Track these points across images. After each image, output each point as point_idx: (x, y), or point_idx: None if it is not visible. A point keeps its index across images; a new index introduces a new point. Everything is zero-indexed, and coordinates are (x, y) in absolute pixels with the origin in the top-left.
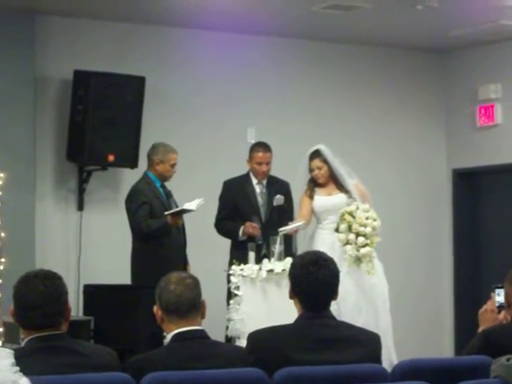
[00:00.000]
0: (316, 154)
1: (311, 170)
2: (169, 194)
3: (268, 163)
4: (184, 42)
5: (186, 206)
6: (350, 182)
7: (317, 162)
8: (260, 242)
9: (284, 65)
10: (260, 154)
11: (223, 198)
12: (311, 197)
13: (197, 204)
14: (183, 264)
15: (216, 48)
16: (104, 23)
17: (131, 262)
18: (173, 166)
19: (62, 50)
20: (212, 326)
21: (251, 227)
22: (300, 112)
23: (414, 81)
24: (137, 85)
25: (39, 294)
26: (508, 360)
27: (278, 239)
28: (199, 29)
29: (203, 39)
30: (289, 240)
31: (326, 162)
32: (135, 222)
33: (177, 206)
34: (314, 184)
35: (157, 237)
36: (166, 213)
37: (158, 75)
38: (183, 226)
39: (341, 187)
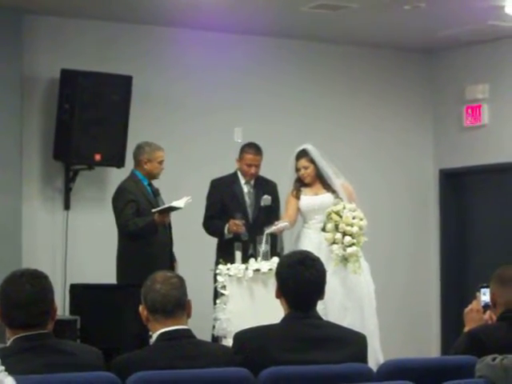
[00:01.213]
0: (302, 154)
1: (297, 170)
2: (156, 192)
3: (257, 166)
4: (171, 42)
5: (174, 203)
6: (337, 182)
7: (303, 162)
8: (245, 239)
9: (271, 64)
10: (250, 156)
11: (211, 197)
12: (297, 197)
13: (184, 202)
14: (169, 262)
15: (203, 47)
16: (92, 22)
17: (117, 261)
18: (160, 163)
19: (49, 49)
20: (198, 325)
21: (234, 225)
22: (286, 112)
23: (402, 81)
24: (124, 84)
25: (25, 294)
26: (493, 360)
27: (264, 239)
28: (187, 28)
29: (191, 39)
30: (274, 239)
31: (312, 161)
32: (122, 220)
33: (164, 204)
34: (300, 184)
35: (144, 235)
36: (154, 210)
37: (145, 74)
38: (170, 224)
39: (327, 187)
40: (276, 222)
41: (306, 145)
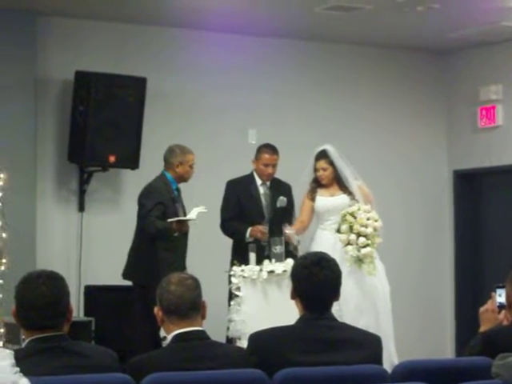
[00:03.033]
0: (322, 155)
1: (316, 170)
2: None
3: (274, 165)
4: (186, 43)
5: (188, 216)
6: (354, 184)
7: (322, 164)
8: (265, 244)
9: (285, 66)
10: (267, 156)
11: (228, 198)
12: (313, 199)
13: (196, 213)
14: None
15: (217, 49)
16: (106, 24)
17: (128, 256)
18: (191, 166)
19: (63, 50)
20: (213, 326)
21: (260, 232)
22: (300, 114)
23: (415, 82)
24: (138, 86)
25: (41, 295)
26: None
27: (279, 240)
28: (201, 30)
29: (205, 40)
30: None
31: (331, 163)
32: (147, 220)
33: (184, 210)
34: (316, 184)
35: (159, 237)
36: (169, 220)
37: (159, 76)
38: (187, 232)
39: (344, 188)
40: (289, 230)
41: (326, 145)
